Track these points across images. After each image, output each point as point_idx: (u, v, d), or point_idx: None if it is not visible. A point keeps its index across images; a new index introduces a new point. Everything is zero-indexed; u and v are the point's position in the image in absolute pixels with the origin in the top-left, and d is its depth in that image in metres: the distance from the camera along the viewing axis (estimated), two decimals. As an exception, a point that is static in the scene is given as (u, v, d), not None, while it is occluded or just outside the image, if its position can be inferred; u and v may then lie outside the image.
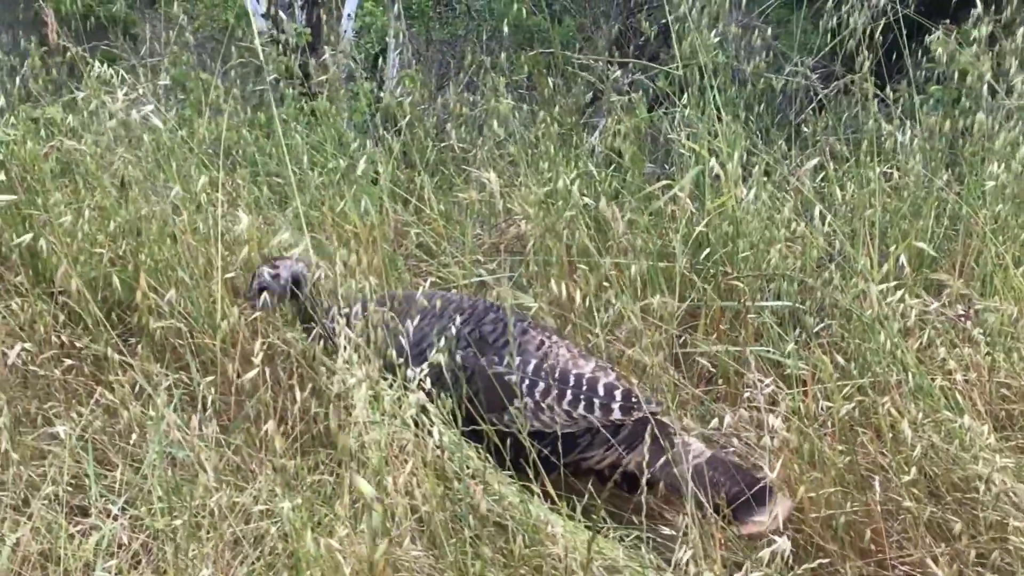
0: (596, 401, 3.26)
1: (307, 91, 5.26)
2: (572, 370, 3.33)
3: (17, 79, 4.69)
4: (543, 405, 3.27)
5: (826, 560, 2.97)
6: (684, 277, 3.69)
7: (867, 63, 4.10)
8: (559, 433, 3.23)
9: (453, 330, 3.32)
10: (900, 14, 4.28)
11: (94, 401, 3.41)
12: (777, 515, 3.04)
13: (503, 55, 4.57)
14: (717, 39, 4.16)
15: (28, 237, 3.60)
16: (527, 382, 3.27)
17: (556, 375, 3.30)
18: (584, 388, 3.29)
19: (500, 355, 3.30)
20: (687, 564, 2.71)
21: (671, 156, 4.39)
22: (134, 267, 3.75)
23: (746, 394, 3.38)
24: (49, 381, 3.63)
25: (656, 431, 3.09)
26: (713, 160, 3.77)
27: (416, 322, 3.28)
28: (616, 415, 3.25)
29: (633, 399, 3.27)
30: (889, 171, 4.11)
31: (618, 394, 3.27)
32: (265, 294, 3.55)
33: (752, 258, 3.75)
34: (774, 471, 3.03)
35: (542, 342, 3.41)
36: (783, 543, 2.56)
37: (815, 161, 3.88)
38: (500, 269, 4.09)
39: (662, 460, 3.16)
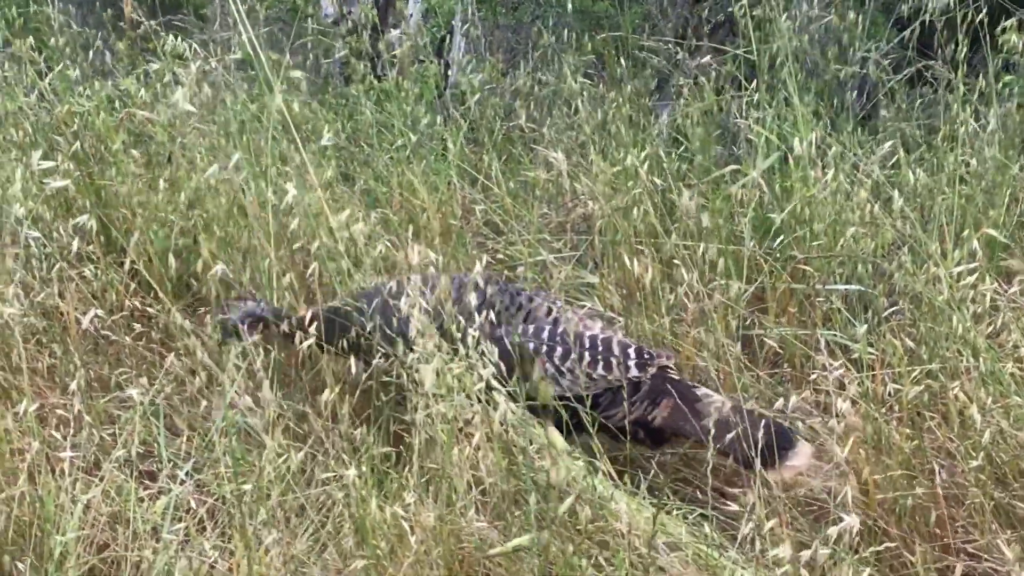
0: (613, 360, 3.31)
1: (373, 71, 5.29)
2: (585, 332, 3.38)
3: (90, 52, 4.74)
4: (563, 369, 3.30)
5: (892, 544, 2.94)
6: (752, 260, 3.67)
7: (961, 48, 4.04)
8: (583, 395, 3.26)
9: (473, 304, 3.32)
10: (977, 3, 4.24)
11: (165, 370, 3.45)
12: (808, 457, 3.18)
13: (572, 35, 4.55)
14: (788, 23, 4.13)
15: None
16: (545, 348, 3.30)
17: (571, 339, 3.32)
18: (600, 349, 3.34)
19: (513, 324, 3.37)
20: (752, 541, 2.70)
21: (738, 140, 4.37)
22: (204, 237, 3.78)
23: (813, 376, 3.36)
24: (120, 347, 3.68)
25: (677, 385, 3.28)
26: (796, 143, 3.74)
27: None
28: (633, 372, 3.30)
29: (646, 355, 3.34)
30: (963, 159, 4.07)
31: (632, 351, 3.34)
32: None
33: (823, 241, 3.74)
34: (842, 454, 3.03)
35: (550, 309, 3.47)
36: (851, 520, 2.53)
37: (889, 145, 3.84)
38: (566, 248, 4.11)
39: (687, 413, 3.24)
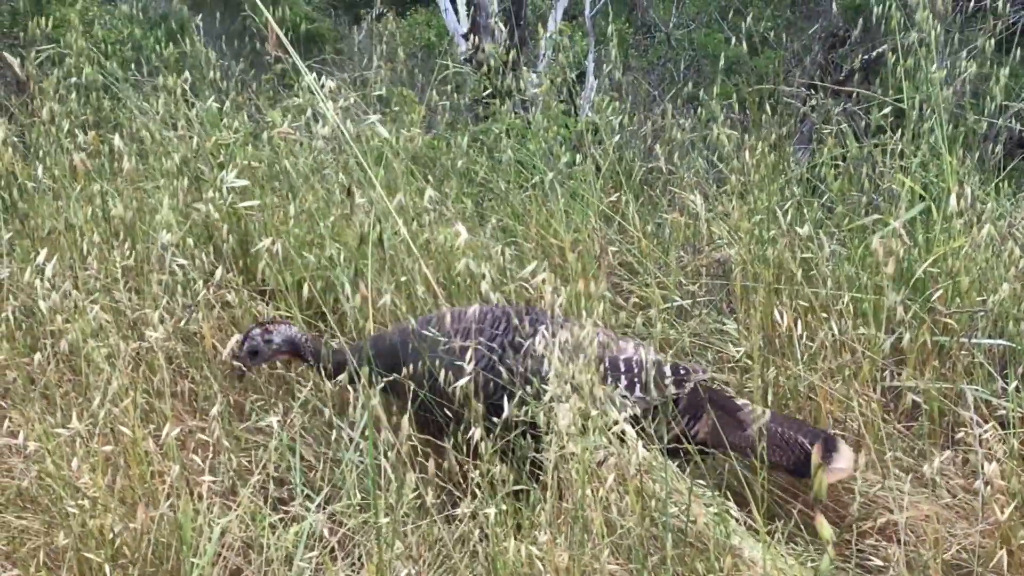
0: (648, 382, 3.28)
1: (495, 111, 5.35)
2: (620, 356, 3.38)
3: (236, 85, 4.86)
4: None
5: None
6: (891, 311, 3.60)
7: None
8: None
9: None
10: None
11: (301, 401, 3.49)
12: (851, 460, 3.17)
13: (719, 80, 4.53)
14: (942, 72, 4.05)
15: (268, 242, 3.62)
16: None
17: (606, 364, 3.30)
18: (636, 371, 3.34)
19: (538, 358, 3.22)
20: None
21: (880, 188, 4.29)
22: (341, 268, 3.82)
23: (959, 435, 3.28)
24: (258, 373, 3.73)
25: (716, 397, 3.34)
26: (952, 196, 3.68)
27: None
28: (671, 390, 3.29)
29: (682, 371, 3.35)
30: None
31: (667, 369, 3.34)
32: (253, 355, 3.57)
33: (971, 295, 3.66)
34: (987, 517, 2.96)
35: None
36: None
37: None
38: (701, 292, 4.08)
39: (729, 425, 3.28)
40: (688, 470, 3.06)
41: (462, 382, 3.08)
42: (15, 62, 4.28)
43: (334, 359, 3.50)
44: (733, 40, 5.48)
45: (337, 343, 3.54)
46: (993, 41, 4.48)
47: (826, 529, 1.99)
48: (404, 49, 5.64)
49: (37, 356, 3.37)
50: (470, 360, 3.10)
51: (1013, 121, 4.65)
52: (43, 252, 3.32)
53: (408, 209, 3.97)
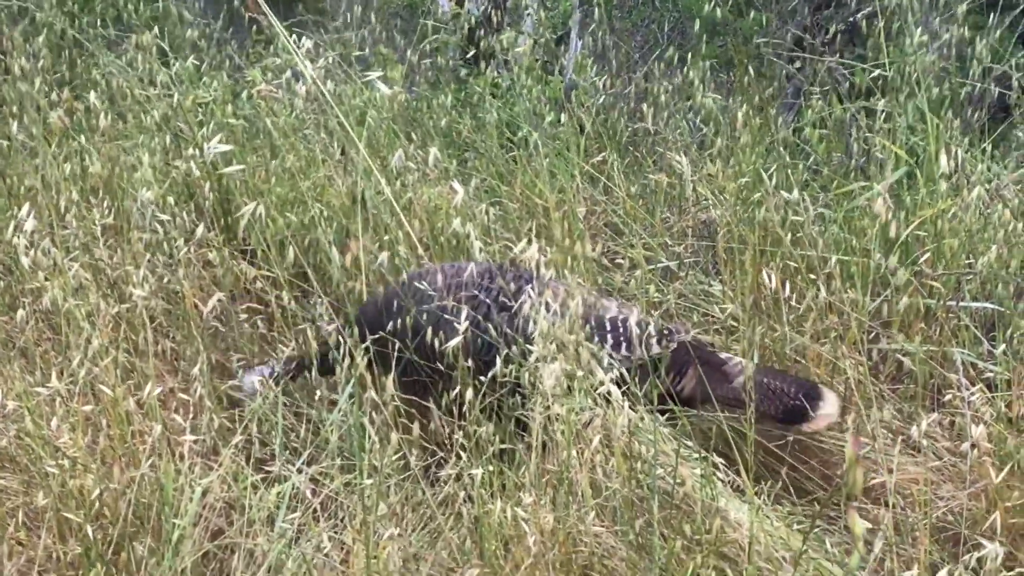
0: (634, 340, 3.27)
1: (478, 71, 5.30)
2: (605, 315, 3.37)
3: (213, 44, 4.79)
4: None
5: (1024, 571, 2.85)
6: (877, 274, 3.59)
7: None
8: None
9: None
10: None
11: (284, 360, 3.46)
12: (837, 405, 3.27)
13: (704, 41, 4.48)
14: (924, 37, 4.03)
15: (252, 207, 3.49)
16: None
17: (591, 323, 3.28)
18: (620, 330, 3.34)
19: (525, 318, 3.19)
20: (882, 561, 2.64)
21: (864, 150, 4.27)
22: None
23: (947, 397, 3.28)
24: (239, 334, 3.69)
25: (699, 352, 3.30)
26: (943, 158, 3.66)
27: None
28: (655, 349, 3.27)
29: (665, 330, 3.33)
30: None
31: (652, 328, 3.29)
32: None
33: (958, 258, 3.65)
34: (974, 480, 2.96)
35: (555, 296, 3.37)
36: (995, 548, 2.45)
37: (1026, 164, 3.75)
38: (687, 253, 4.07)
39: (715, 378, 3.28)
40: (676, 428, 3.04)
41: (455, 341, 3.05)
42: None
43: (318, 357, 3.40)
44: (717, 1, 5.40)
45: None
46: (965, 6, 4.44)
47: (858, 526, 1.96)
48: (385, 9, 5.58)
49: (17, 313, 3.33)
50: (465, 318, 3.08)
51: (994, 86, 4.62)
52: (24, 207, 3.26)
53: (392, 168, 3.93)
